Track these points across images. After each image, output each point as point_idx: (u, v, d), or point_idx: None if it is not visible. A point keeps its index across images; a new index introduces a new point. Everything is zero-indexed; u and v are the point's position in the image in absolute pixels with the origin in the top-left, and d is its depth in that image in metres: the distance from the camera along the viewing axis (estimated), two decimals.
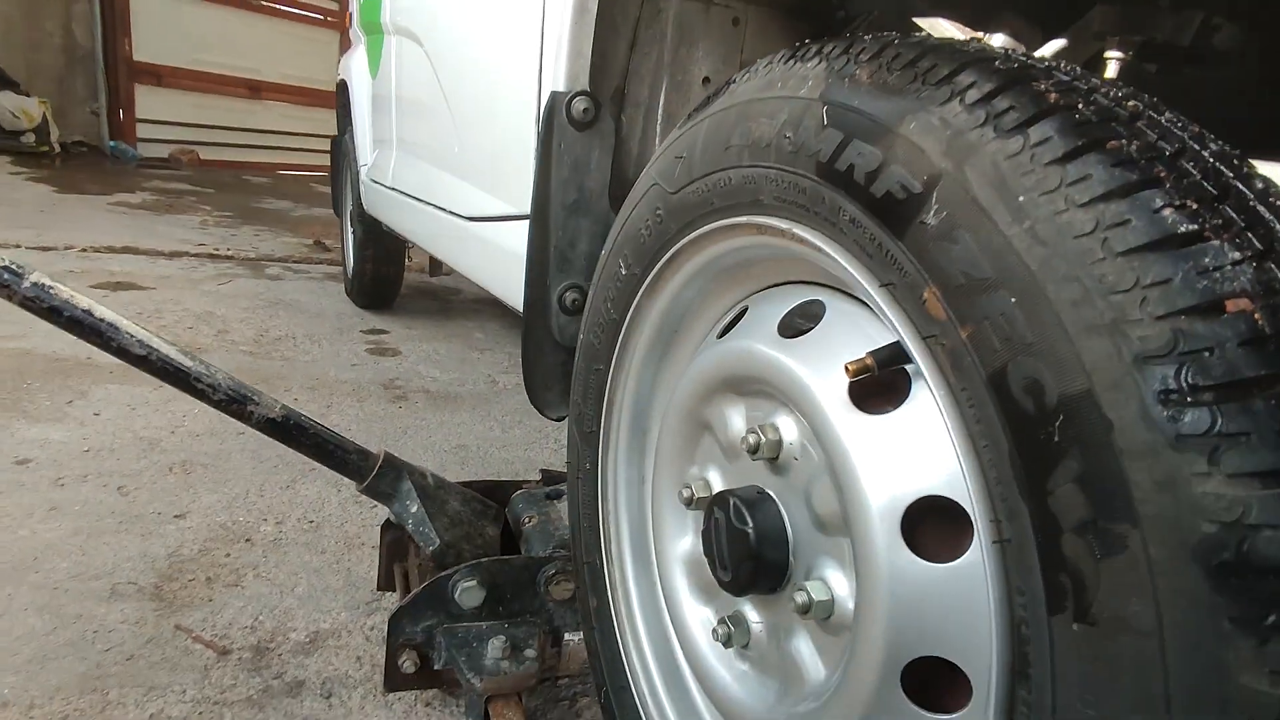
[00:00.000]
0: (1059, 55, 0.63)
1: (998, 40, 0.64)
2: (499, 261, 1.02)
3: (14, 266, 0.76)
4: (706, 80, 0.79)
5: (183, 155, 5.59)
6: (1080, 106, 0.34)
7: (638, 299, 0.61)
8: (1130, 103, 0.35)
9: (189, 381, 0.85)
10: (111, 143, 5.35)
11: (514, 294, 1.03)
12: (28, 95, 4.89)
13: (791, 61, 0.48)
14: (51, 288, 0.77)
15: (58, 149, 5.03)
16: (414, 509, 0.94)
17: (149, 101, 5.57)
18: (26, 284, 0.76)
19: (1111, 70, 0.59)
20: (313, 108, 6.56)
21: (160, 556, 1.17)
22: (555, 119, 0.73)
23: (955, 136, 0.36)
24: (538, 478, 1.18)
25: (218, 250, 3.14)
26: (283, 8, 6.15)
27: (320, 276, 3.00)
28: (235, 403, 0.87)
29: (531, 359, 0.84)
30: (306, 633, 1.04)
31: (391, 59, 1.72)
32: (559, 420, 0.97)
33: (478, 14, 1.09)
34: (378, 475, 0.93)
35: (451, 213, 1.25)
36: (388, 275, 2.52)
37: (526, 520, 1.03)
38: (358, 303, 2.65)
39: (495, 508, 1.05)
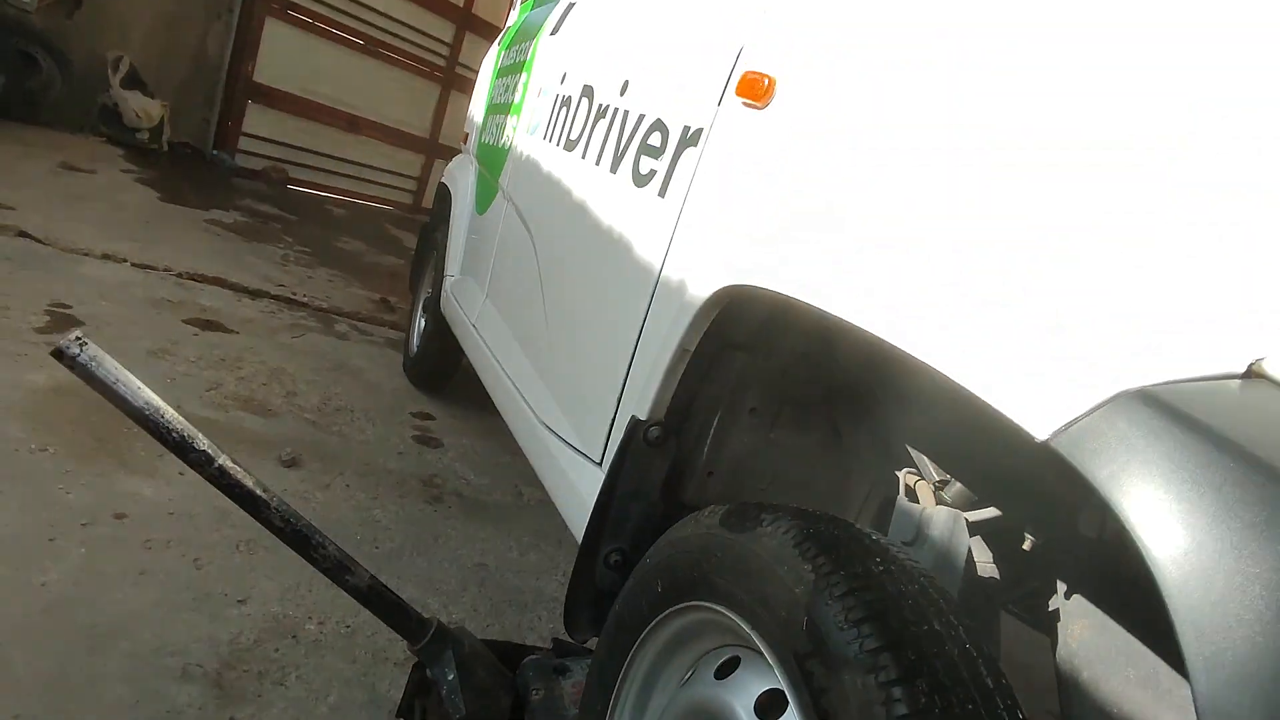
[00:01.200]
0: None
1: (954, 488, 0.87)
2: (560, 479, 1.25)
3: (209, 450, 0.99)
4: (753, 410, 1.02)
5: (274, 172, 5.99)
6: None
7: (650, 625, 0.83)
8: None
9: (307, 547, 1.07)
10: (215, 150, 5.77)
11: (563, 506, 1.25)
12: (152, 97, 5.33)
13: None
14: (231, 470, 1.01)
15: (166, 148, 5.43)
16: (450, 676, 1.14)
17: (256, 118, 6.00)
18: (215, 465, 0.99)
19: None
20: (400, 149, 7.00)
21: (224, 642, 1.38)
22: (633, 440, 0.96)
23: None
24: (548, 645, 1.39)
25: (295, 295, 3.43)
26: (396, 56, 6.63)
27: (383, 342, 3.27)
28: (337, 570, 1.09)
29: (574, 589, 1.06)
30: None
31: (499, 219, 1.98)
32: (582, 643, 1.18)
33: (584, 262, 1.34)
34: (430, 641, 1.15)
35: (525, 400, 1.48)
36: (445, 368, 2.77)
37: (534, 693, 1.23)
38: (413, 380, 2.89)
39: (510, 677, 1.25)
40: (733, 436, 0.99)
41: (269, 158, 6.10)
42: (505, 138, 2.08)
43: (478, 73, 2.86)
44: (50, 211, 3.31)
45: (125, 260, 3.09)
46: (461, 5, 6.83)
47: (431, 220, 3.07)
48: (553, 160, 1.57)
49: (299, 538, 1.05)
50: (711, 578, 0.73)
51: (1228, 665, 0.38)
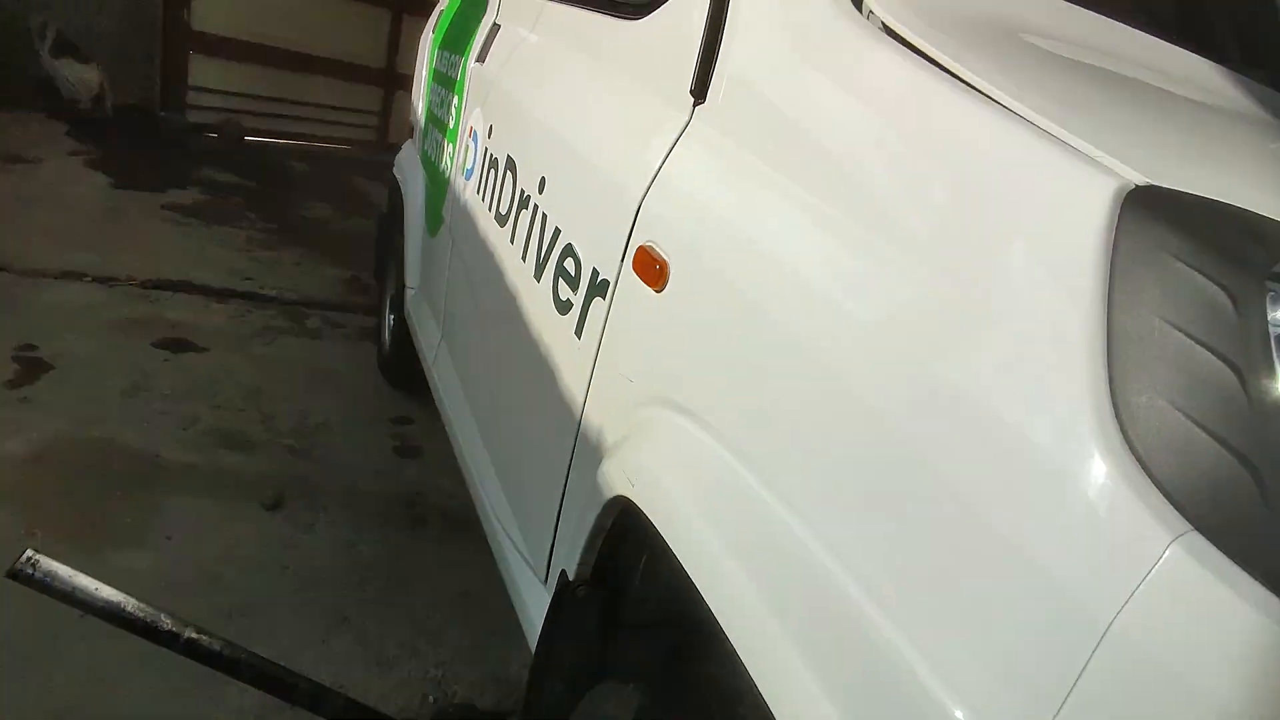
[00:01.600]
0: None
1: None
2: (510, 581, 1.32)
3: (174, 628, 1.06)
4: None
5: (228, 126, 5.77)
6: None
7: None
8: None
9: (281, 690, 1.15)
10: (163, 111, 5.54)
11: (516, 606, 1.32)
12: (86, 62, 5.07)
13: None
14: (198, 639, 1.08)
15: (111, 114, 5.22)
16: None
17: (202, 70, 5.73)
18: (183, 640, 1.06)
19: None
20: (357, 84, 6.71)
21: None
22: (564, 595, 1.02)
23: None
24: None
25: (262, 289, 3.41)
26: None
27: (356, 334, 3.28)
28: (312, 703, 1.18)
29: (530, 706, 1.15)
30: None
31: (447, 258, 1.95)
32: None
33: (521, 368, 1.35)
34: None
35: (480, 484, 1.53)
36: (417, 364, 2.79)
37: None
38: (388, 378, 2.93)
39: None
40: (660, 579, 1.05)
41: (222, 109, 5.87)
42: (444, 163, 2.03)
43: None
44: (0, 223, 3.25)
45: (85, 275, 3.07)
46: None
47: (388, 211, 3.01)
48: (487, 227, 1.55)
49: (272, 682, 1.14)
50: None
51: None
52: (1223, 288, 0.49)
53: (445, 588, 2.00)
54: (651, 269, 0.91)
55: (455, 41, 2.12)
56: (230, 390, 2.58)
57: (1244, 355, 0.47)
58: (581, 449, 1.05)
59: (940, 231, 0.64)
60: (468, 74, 1.88)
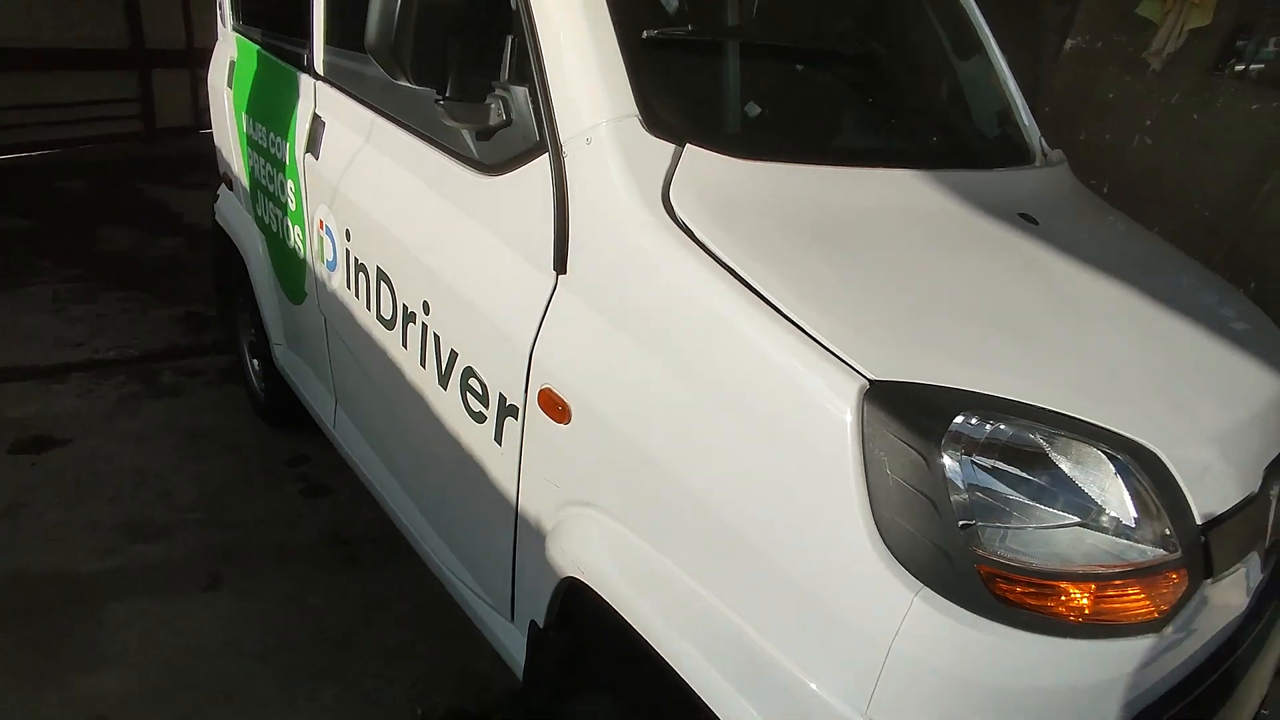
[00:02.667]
0: None
1: None
2: (481, 623, 1.63)
3: None
4: None
5: None
6: None
7: None
8: None
9: None
10: None
11: (494, 644, 1.63)
12: None
13: None
14: None
15: None
16: None
17: None
18: None
19: None
20: (103, 71, 6.03)
21: None
22: (538, 638, 1.34)
23: None
24: (501, 702, 1.85)
25: (97, 353, 3.28)
26: None
27: (217, 378, 3.25)
28: None
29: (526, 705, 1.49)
30: None
31: (324, 337, 2.08)
32: None
33: (443, 457, 1.59)
34: None
35: (424, 544, 1.78)
36: (296, 404, 2.86)
37: None
38: (270, 422, 2.98)
39: None
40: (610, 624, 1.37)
41: None
42: (293, 243, 2.11)
43: None
44: None
45: None
46: None
47: (219, 256, 2.95)
48: (371, 326, 1.73)
49: None
50: None
51: None
52: (918, 451, 0.86)
53: (398, 610, 2.26)
54: (555, 408, 1.19)
55: (269, 118, 2.15)
56: (115, 479, 2.59)
57: (932, 489, 0.86)
58: (524, 531, 1.36)
59: (740, 399, 0.98)
60: (300, 164, 1.95)
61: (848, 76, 1.64)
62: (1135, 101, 3.89)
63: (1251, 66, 3.73)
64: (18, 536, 2.32)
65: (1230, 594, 1.08)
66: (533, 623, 1.37)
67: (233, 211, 2.67)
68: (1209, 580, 0.98)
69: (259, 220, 2.42)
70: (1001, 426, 0.88)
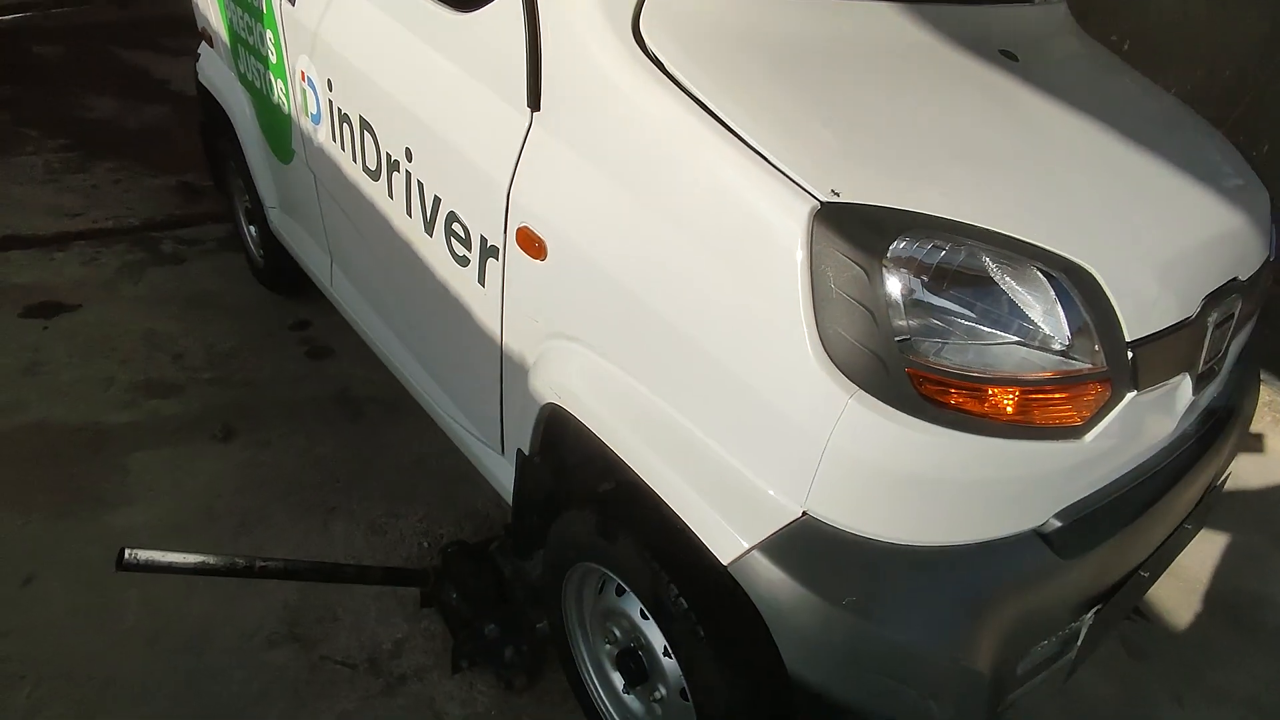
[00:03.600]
0: None
1: None
2: (478, 461, 1.75)
3: (246, 562, 1.44)
4: None
5: None
6: None
7: (567, 569, 1.45)
8: None
9: (337, 576, 1.57)
10: None
11: (489, 479, 1.76)
12: None
13: None
14: (266, 563, 1.46)
15: None
16: (454, 595, 1.76)
17: None
18: (255, 567, 1.44)
19: None
20: None
21: (279, 608, 1.93)
22: (525, 465, 1.46)
23: None
24: (499, 532, 2.01)
25: (96, 222, 3.31)
26: None
27: (216, 246, 3.30)
28: (357, 577, 1.61)
29: (516, 535, 1.64)
30: (391, 642, 1.89)
31: (314, 193, 2.11)
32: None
33: (432, 304, 1.67)
34: (432, 586, 1.74)
35: (423, 392, 1.89)
36: (296, 270, 2.92)
37: (505, 571, 1.88)
38: (271, 288, 3.05)
39: (489, 564, 1.87)
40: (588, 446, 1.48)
41: None
42: (277, 98, 2.10)
43: None
44: None
45: None
46: None
47: (208, 120, 2.93)
48: (358, 179, 1.76)
49: (327, 573, 1.56)
50: (592, 554, 1.33)
51: None
52: (860, 266, 0.92)
53: (402, 458, 2.41)
54: (532, 245, 1.25)
55: None
56: (127, 341, 2.70)
57: (871, 301, 0.92)
58: (509, 367, 1.44)
59: (703, 225, 1.03)
60: (277, 12, 1.92)
61: None
62: None
63: None
64: (40, 390, 2.44)
65: (1157, 412, 1.17)
66: (519, 451, 1.48)
67: (215, 70, 2.63)
68: (1134, 394, 1.06)
69: (242, 77, 2.39)
70: (941, 244, 0.93)
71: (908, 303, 0.93)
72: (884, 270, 0.92)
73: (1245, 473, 2.78)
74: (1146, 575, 1.31)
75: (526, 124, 1.24)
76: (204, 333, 2.79)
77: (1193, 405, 1.28)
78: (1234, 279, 1.25)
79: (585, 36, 1.13)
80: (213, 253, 3.28)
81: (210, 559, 1.44)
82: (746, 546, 1.02)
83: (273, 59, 2.04)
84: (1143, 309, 1.05)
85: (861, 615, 0.96)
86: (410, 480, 2.35)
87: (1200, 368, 1.21)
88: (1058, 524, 1.10)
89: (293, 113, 2.03)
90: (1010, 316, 0.95)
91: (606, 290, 1.16)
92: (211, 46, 2.64)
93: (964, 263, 0.94)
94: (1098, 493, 1.15)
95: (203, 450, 2.34)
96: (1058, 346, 0.96)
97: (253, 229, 2.98)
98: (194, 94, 2.96)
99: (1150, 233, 1.12)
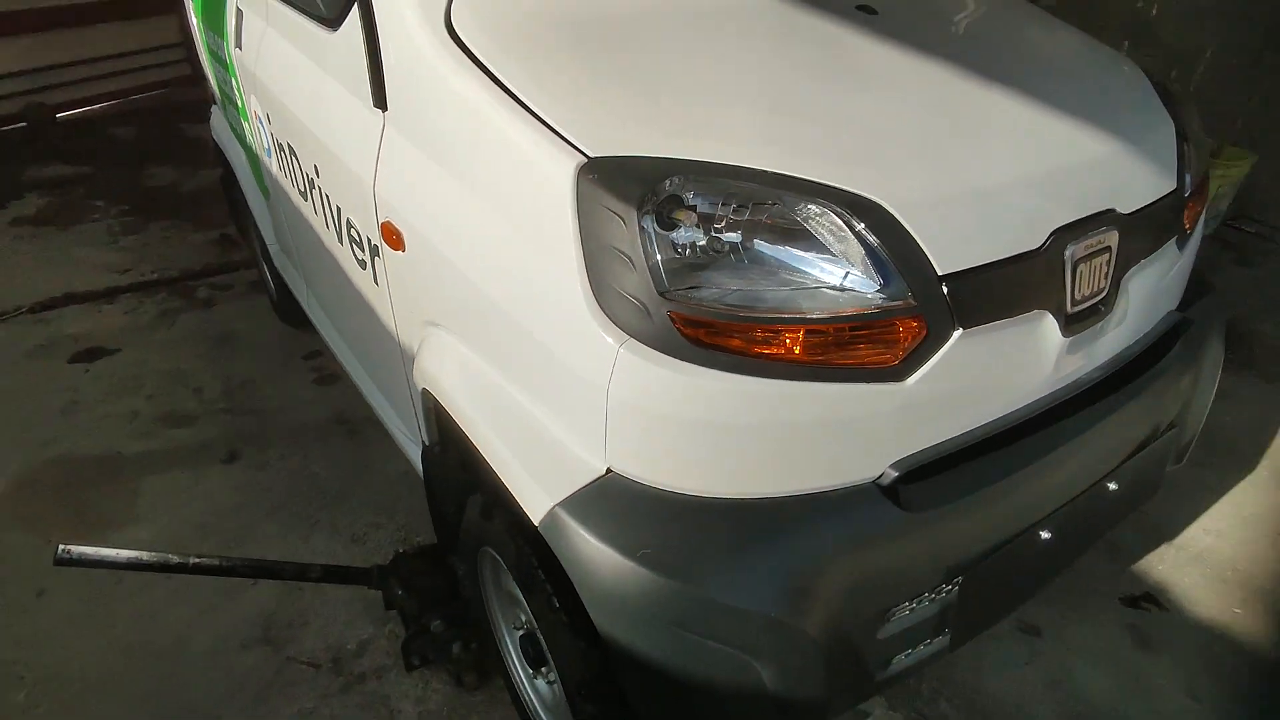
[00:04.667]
0: None
1: None
2: (407, 451, 1.81)
3: (180, 558, 1.54)
4: None
5: (35, 110, 5.54)
6: None
7: (474, 555, 1.47)
8: None
9: (271, 574, 1.65)
10: None
11: (416, 468, 1.82)
12: None
13: None
14: (199, 560, 1.55)
15: None
16: (400, 594, 1.81)
17: None
18: (190, 564, 1.54)
19: None
20: (143, 20, 6.33)
21: (255, 615, 2.04)
22: (427, 458, 1.51)
23: None
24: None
25: (144, 276, 3.63)
26: None
27: (245, 289, 3.56)
28: (298, 574, 1.69)
29: (437, 532, 1.68)
30: (355, 643, 1.96)
31: (285, 224, 2.28)
32: None
33: (353, 309, 1.76)
34: (378, 580, 1.80)
35: (369, 393, 1.98)
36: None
37: (459, 570, 1.92)
38: (286, 321, 3.26)
39: (444, 564, 1.91)
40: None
41: (16, 95, 5.59)
42: (249, 140, 2.28)
43: None
44: None
45: None
46: None
47: (225, 173, 3.19)
48: (297, 200, 1.89)
49: (264, 570, 1.64)
50: (481, 537, 1.35)
51: None
52: (620, 217, 0.93)
53: (388, 473, 2.51)
54: (393, 237, 1.31)
55: (212, 21, 2.29)
56: (155, 379, 2.93)
57: (632, 249, 0.93)
58: (405, 359, 1.50)
59: (508, 200, 1.06)
60: (234, 60, 2.09)
61: None
62: None
63: None
64: (72, 426, 2.69)
65: (1014, 354, 1.10)
66: (423, 443, 1.53)
67: (220, 125, 2.87)
68: (959, 332, 1.01)
69: (232, 127, 2.60)
70: (703, 189, 0.93)
71: (664, 247, 0.93)
72: (641, 217, 0.92)
73: None
74: (1049, 540, 1.22)
75: (381, 124, 1.31)
76: (224, 368, 3.00)
77: (1081, 350, 1.20)
78: (1108, 210, 1.17)
79: (408, 36, 1.20)
80: (242, 296, 3.53)
81: (144, 554, 1.55)
82: (550, 504, 1.02)
83: (240, 103, 2.22)
84: (957, 242, 1.01)
85: (655, 567, 0.94)
86: (394, 492, 2.44)
87: (1071, 307, 1.14)
88: (895, 474, 1.05)
89: (258, 151, 2.19)
90: (781, 255, 0.93)
91: (446, 271, 1.20)
92: (215, 104, 2.89)
93: (728, 204, 0.93)
94: (950, 441, 1.09)
95: (207, 473, 2.50)
96: (836, 282, 0.93)
97: (266, 267, 3.19)
98: None
99: (971, 165, 1.07)
